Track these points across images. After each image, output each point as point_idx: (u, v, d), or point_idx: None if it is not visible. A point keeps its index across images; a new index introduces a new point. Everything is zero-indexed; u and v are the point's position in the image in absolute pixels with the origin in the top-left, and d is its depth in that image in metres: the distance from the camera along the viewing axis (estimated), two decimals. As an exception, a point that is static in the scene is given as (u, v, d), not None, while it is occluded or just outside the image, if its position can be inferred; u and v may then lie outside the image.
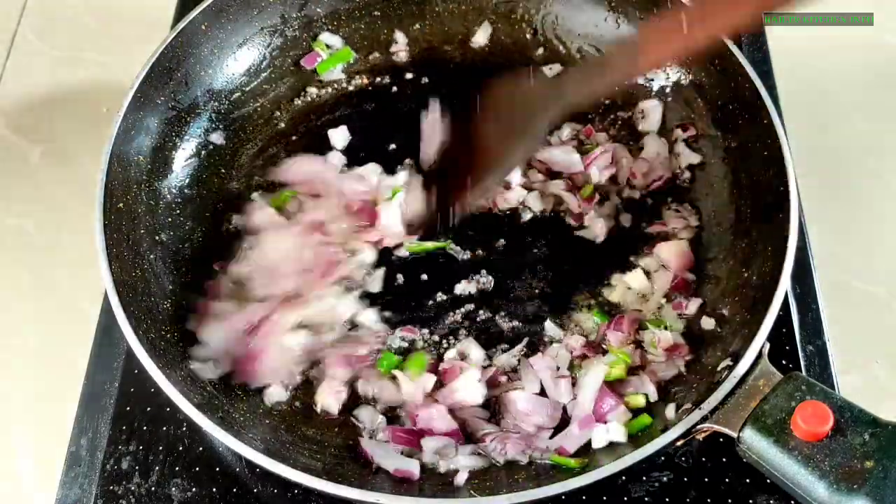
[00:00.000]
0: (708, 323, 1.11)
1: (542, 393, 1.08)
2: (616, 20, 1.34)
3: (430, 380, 1.08)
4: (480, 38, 1.40)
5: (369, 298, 1.17)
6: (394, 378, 1.09)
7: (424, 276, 1.19)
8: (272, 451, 0.96)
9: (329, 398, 1.08)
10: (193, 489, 1.05)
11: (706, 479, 1.05)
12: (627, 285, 1.17)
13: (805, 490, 0.87)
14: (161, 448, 1.07)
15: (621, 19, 1.33)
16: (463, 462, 1.02)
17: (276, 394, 1.09)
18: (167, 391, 0.96)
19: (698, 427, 0.93)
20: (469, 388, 1.06)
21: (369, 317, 1.15)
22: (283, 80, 1.37)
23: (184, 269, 1.18)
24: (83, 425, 1.10)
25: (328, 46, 1.38)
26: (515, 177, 1.25)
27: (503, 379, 1.10)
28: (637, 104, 1.32)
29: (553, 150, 1.27)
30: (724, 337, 1.08)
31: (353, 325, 1.14)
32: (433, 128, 1.17)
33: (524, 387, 1.08)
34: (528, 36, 1.40)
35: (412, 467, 1.01)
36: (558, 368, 1.09)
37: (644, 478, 1.05)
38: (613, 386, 1.07)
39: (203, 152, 1.28)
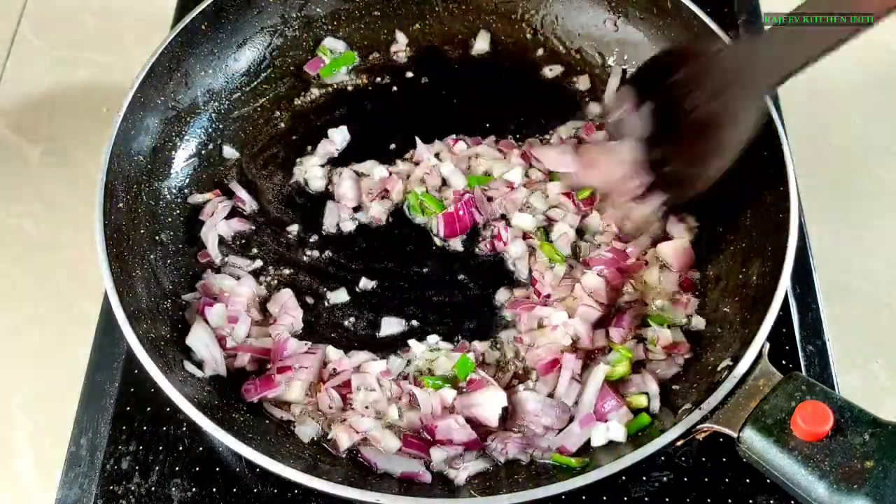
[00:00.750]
0: (699, 322, 1.12)
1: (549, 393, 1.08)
2: (615, 21, 1.34)
3: (451, 394, 1.06)
4: (481, 45, 1.40)
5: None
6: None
7: (425, 270, 1.20)
8: (272, 452, 0.96)
9: (343, 436, 1.05)
10: (193, 489, 1.05)
11: (706, 479, 1.05)
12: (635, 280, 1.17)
13: (805, 490, 0.87)
14: (161, 448, 1.07)
15: (621, 20, 1.34)
16: (468, 466, 1.02)
17: (310, 430, 1.06)
18: (167, 391, 0.96)
19: (698, 427, 0.93)
20: (490, 407, 1.04)
21: (372, 368, 1.10)
22: (283, 80, 1.37)
23: (184, 269, 1.18)
24: (83, 425, 1.10)
25: (331, 52, 1.38)
26: (517, 176, 1.25)
27: (514, 381, 1.10)
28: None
29: (548, 150, 1.26)
30: (724, 337, 1.08)
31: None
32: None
33: (536, 388, 1.08)
34: (528, 36, 1.40)
35: (421, 470, 1.01)
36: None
37: (644, 478, 1.05)
38: (615, 385, 1.07)
39: (203, 152, 1.28)
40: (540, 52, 1.39)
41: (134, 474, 1.06)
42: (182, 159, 1.26)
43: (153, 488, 1.05)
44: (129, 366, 1.12)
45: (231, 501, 1.04)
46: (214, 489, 1.05)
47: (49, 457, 1.10)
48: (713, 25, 1.20)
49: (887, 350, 1.24)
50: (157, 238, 1.18)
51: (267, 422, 1.07)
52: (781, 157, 1.10)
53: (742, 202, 1.18)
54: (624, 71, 1.34)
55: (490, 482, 1.01)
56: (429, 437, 1.04)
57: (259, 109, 1.34)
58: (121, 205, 1.13)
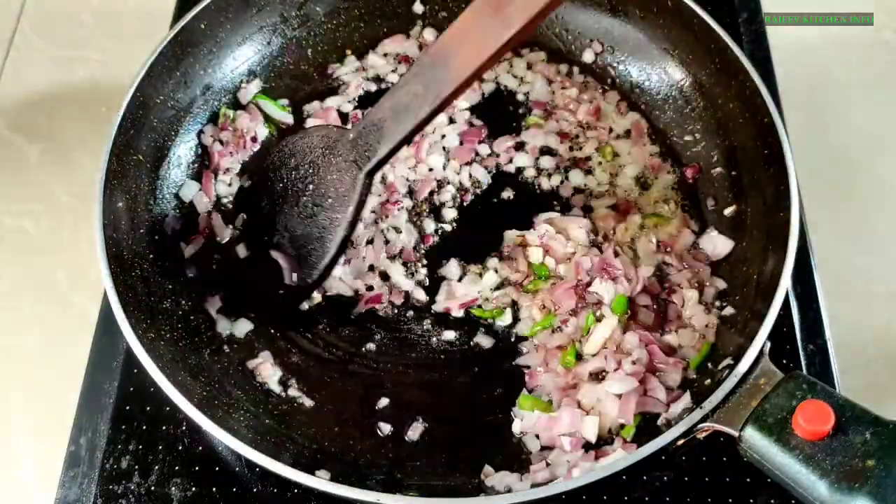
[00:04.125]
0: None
1: None
2: (616, 20, 1.34)
3: None
4: None
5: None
6: None
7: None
8: (272, 452, 0.96)
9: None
10: (193, 489, 1.05)
11: (707, 479, 1.05)
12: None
13: (806, 489, 0.86)
14: (161, 448, 1.07)
15: (621, 19, 1.33)
16: None
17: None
18: (167, 391, 0.96)
19: (699, 426, 0.93)
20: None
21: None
22: (282, 79, 1.37)
23: (183, 269, 1.18)
24: (83, 425, 1.10)
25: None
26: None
27: None
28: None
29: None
30: (725, 336, 1.08)
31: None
32: None
33: None
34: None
35: None
36: None
37: (644, 478, 1.05)
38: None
39: (203, 151, 1.28)
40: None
41: (133, 474, 1.05)
42: (181, 158, 1.26)
43: (153, 488, 1.04)
44: (128, 366, 1.12)
45: (231, 501, 1.04)
46: (214, 489, 1.05)
47: (49, 456, 1.10)
48: (714, 24, 1.20)
49: (888, 349, 1.24)
50: (156, 237, 1.18)
51: (267, 421, 1.07)
52: (782, 156, 1.09)
53: (742, 202, 1.18)
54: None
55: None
56: None
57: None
58: (120, 204, 1.13)
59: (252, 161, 1.28)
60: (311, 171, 1.13)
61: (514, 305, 1.16)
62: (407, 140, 1.04)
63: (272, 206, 1.16)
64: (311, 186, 1.12)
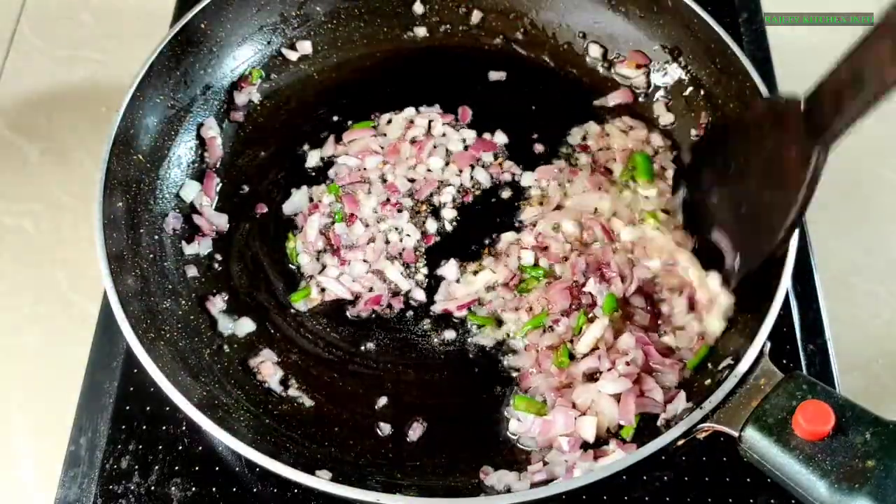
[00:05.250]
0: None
1: None
2: (615, 19, 1.34)
3: None
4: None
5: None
6: None
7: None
8: (272, 452, 0.96)
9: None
10: (193, 489, 1.05)
11: (706, 479, 1.05)
12: None
13: (806, 489, 0.86)
14: (160, 447, 1.07)
15: (621, 18, 1.33)
16: None
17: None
18: (167, 391, 0.96)
19: (699, 426, 0.93)
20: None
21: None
22: (281, 78, 1.37)
23: (183, 269, 1.18)
24: (83, 425, 1.10)
25: None
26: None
27: None
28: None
29: None
30: (725, 336, 1.08)
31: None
32: None
33: None
34: (520, 35, 1.40)
35: None
36: None
37: (644, 478, 1.05)
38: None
39: (203, 151, 1.28)
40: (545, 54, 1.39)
41: (133, 474, 1.05)
42: (181, 158, 1.26)
43: (153, 488, 1.05)
44: (128, 365, 1.12)
45: (231, 501, 1.04)
46: (214, 489, 1.05)
47: (49, 456, 1.10)
48: (714, 24, 1.20)
49: (888, 349, 1.24)
50: (156, 237, 1.18)
51: (267, 421, 1.07)
52: (782, 156, 1.09)
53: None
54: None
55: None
56: None
57: (259, 108, 1.34)
58: (120, 204, 1.13)
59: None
60: (755, 146, 1.01)
61: (504, 305, 1.15)
62: (869, 109, 0.92)
63: (712, 183, 1.10)
64: (755, 162, 1.01)
